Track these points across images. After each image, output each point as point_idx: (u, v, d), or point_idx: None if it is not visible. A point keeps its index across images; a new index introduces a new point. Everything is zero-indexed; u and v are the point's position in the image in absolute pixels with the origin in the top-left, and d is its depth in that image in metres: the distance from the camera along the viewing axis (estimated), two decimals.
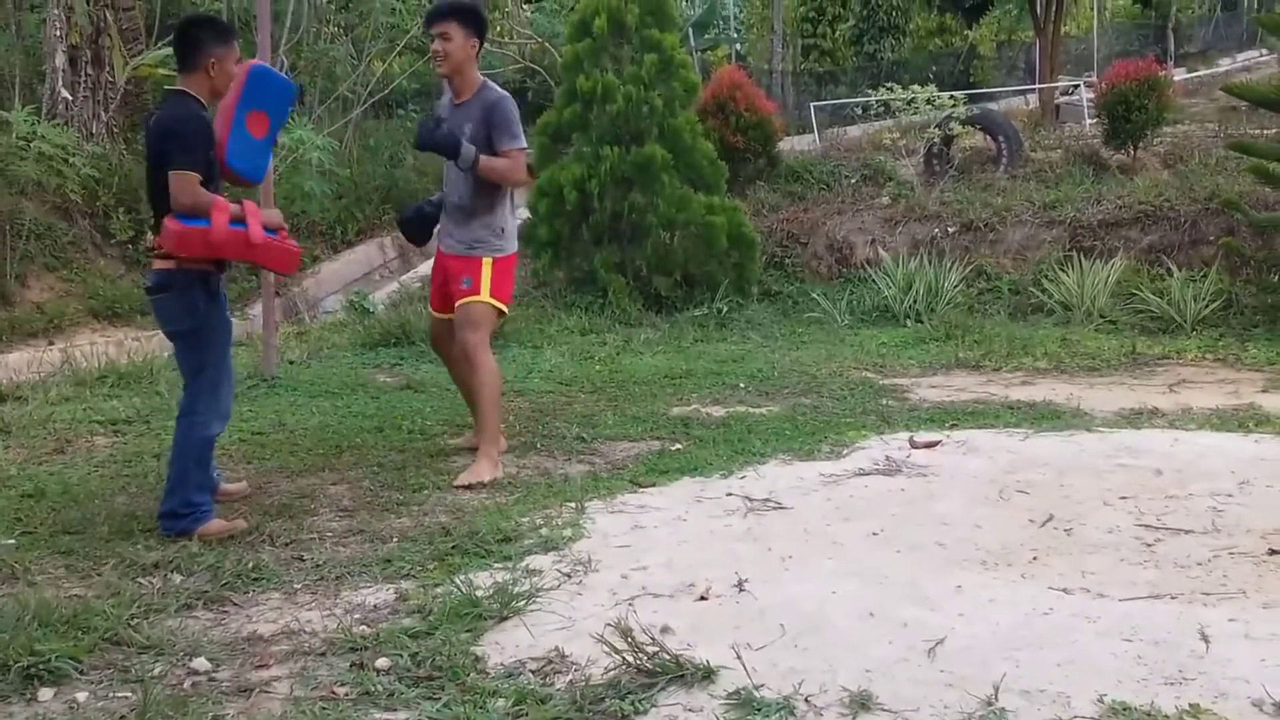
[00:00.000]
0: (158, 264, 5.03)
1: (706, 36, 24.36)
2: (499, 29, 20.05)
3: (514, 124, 5.95)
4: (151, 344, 9.61)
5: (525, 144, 6.06)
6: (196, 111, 5.00)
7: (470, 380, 6.13)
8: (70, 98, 11.74)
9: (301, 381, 8.40)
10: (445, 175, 6.17)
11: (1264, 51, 27.62)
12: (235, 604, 4.16)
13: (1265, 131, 14.58)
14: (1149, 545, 4.57)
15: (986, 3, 20.83)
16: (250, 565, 4.46)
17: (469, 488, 5.63)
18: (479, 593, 4.09)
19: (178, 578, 4.37)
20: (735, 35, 26.74)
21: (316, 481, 5.80)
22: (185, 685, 3.48)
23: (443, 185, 6.23)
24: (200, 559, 4.53)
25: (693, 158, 11.49)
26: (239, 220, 4.88)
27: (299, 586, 4.30)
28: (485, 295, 5.96)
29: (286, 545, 4.78)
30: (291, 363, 9.17)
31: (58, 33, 11.65)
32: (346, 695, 3.38)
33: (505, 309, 6.14)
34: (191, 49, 5.00)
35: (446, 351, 6.40)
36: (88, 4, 11.84)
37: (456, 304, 6.03)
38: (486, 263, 5.99)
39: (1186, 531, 4.72)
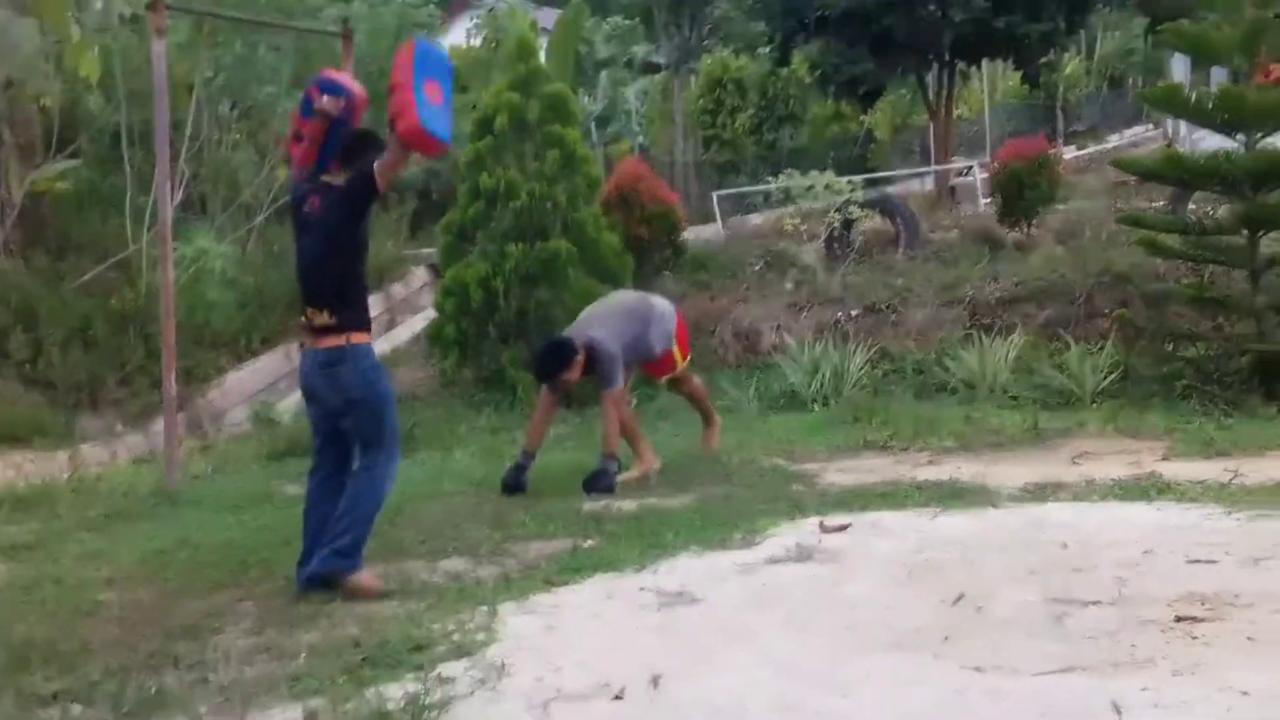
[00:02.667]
0: (329, 342, 5.55)
1: (608, 130, 24.66)
2: None
3: None
4: (50, 465, 9.41)
5: None
6: None
7: None
8: None
9: (206, 496, 8.27)
10: None
11: (1150, 126, 28.47)
12: None
13: (1154, 204, 15.02)
14: (1058, 619, 4.61)
15: (881, 89, 21.26)
16: (153, 690, 4.33)
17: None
18: (390, 705, 4.01)
19: (77, 708, 4.23)
20: (637, 129, 27.08)
21: (223, 599, 5.67)
22: None
23: None
24: (101, 687, 4.40)
25: (598, 251, 11.58)
26: None
27: (204, 710, 4.18)
28: None
29: (191, 668, 4.65)
30: (196, 478, 9.03)
31: None
32: None
33: None
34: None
35: None
36: None
37: None
38: None
39: (1094, 603, 4.76)
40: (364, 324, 5.75)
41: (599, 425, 8.37)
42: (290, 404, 12.11)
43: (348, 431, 5.74)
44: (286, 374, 13.28)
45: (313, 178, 5.78)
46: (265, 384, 13.29)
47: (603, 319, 8.27)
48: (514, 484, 7.96)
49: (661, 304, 8.69)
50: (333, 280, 5.66)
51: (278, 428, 10.81)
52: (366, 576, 5.55)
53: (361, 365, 5.67)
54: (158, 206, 9.66)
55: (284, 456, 9.56)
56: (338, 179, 5.71)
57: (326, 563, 5.51)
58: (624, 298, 8.72)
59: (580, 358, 7.95)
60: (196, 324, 12.07)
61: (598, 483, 7.86)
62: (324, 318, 5.61)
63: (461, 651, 4.61)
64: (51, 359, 10.97)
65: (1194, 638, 4.29)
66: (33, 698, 4.33)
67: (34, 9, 11.10)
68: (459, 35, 25.98)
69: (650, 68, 30.28)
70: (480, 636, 4.77)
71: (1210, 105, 10.40)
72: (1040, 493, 6.97)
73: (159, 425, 10.30)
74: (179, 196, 12.67)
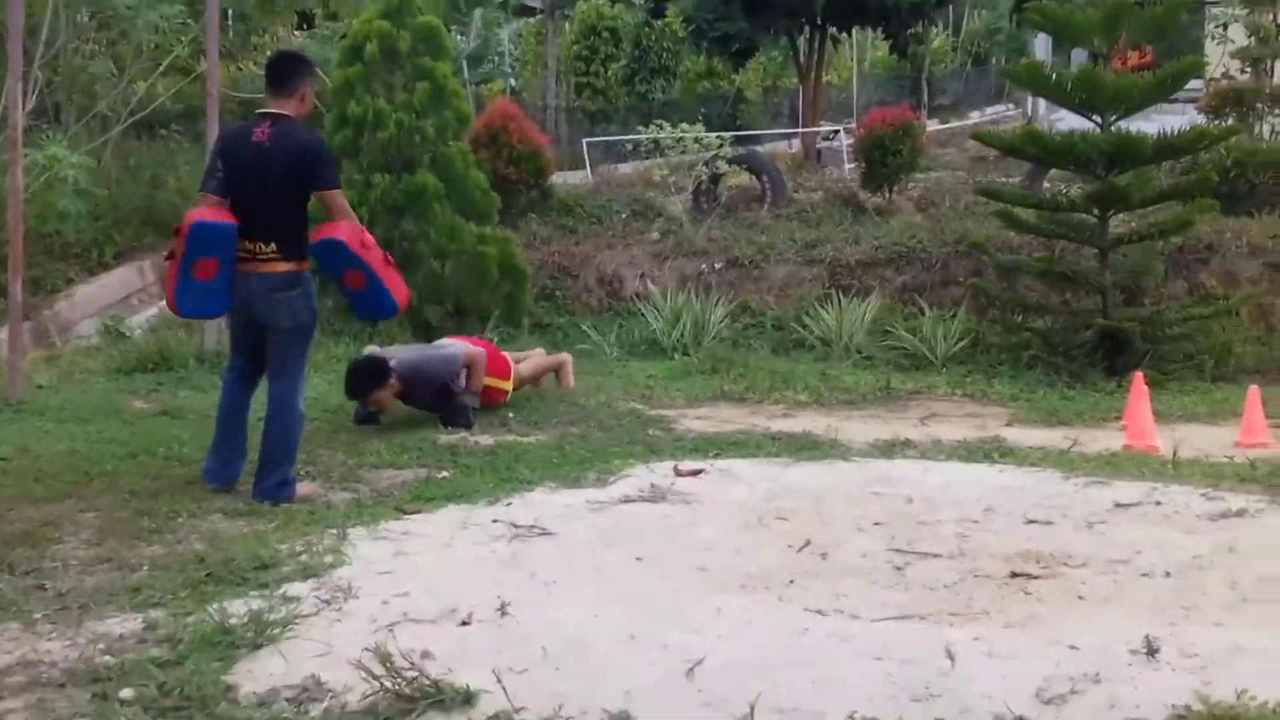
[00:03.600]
0: (279, 266, 5.83)
1: (480, 70, 24.32)
2: (269, 53, 19.62)
3: None
4: None
5: None
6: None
7: None
8: None
9: (50, 407, 8.03)
10: None
11: (1010, 106, 29.14)
12: None
13: (1011, 179, 15.38)
14: (899, 569, 4.74)
15: (753, 48, 21.36)
16: None
17: None
18: (232, 621, 3.96)
19: None
20: (510, 71, 26.76)
21: (63, 509, 5.53)
22: None
23: None
24: None
25: (465, 187, 11.45)
26: None
27: (39, 616, 4.09)
28: None
29: (27, 574, 4.54)
30: (41, 387, 8.76)
31: None
32: None
33: None
34: (292, 78, 5.97)
35: None
36: None
37: None
38: None
39: (935, 556, 4.90)
40: (306, 254, 6.03)
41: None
42: (142, 319, 11.79)
43: (272, 351, 6.01)
44: (139, 289, 12.90)
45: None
46: (117, 298, 12.88)
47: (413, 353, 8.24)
48: (365, 416, 7.92)
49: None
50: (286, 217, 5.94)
51: (128, 342, 10.50)
52: (303, 489, 6.01)
53: (310, 292, 6.03)
54: (8, 110, 9.28)
55: (133, 372, 9.31)
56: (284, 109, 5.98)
57: (271, 494, 5.84)
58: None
59: (393, 380, 7.77)
60: (46, 234, 11.64)
61: (456, 418, 7.82)
62: (270, 250, 5.85)
63: (308, 573, 4.58)
64: None
65: (1027, 593, 4.45)
66: None
67: None
68: None
69: (525, 10, 29.96)
70: (328, 559, 4.75)
71: (1069, 86, 10.68)
72: (889, 449, 7.14)
73: (2, 333, 9.96)
74: (31, 103, 12.18)
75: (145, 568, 4.64)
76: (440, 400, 7.92)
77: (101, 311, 12.15)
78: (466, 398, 7.93)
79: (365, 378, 7.75)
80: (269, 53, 19.35)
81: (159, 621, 4.02)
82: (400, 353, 8.17)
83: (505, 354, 8.70)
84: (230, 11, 17.17)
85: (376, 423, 7.89)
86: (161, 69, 14.60)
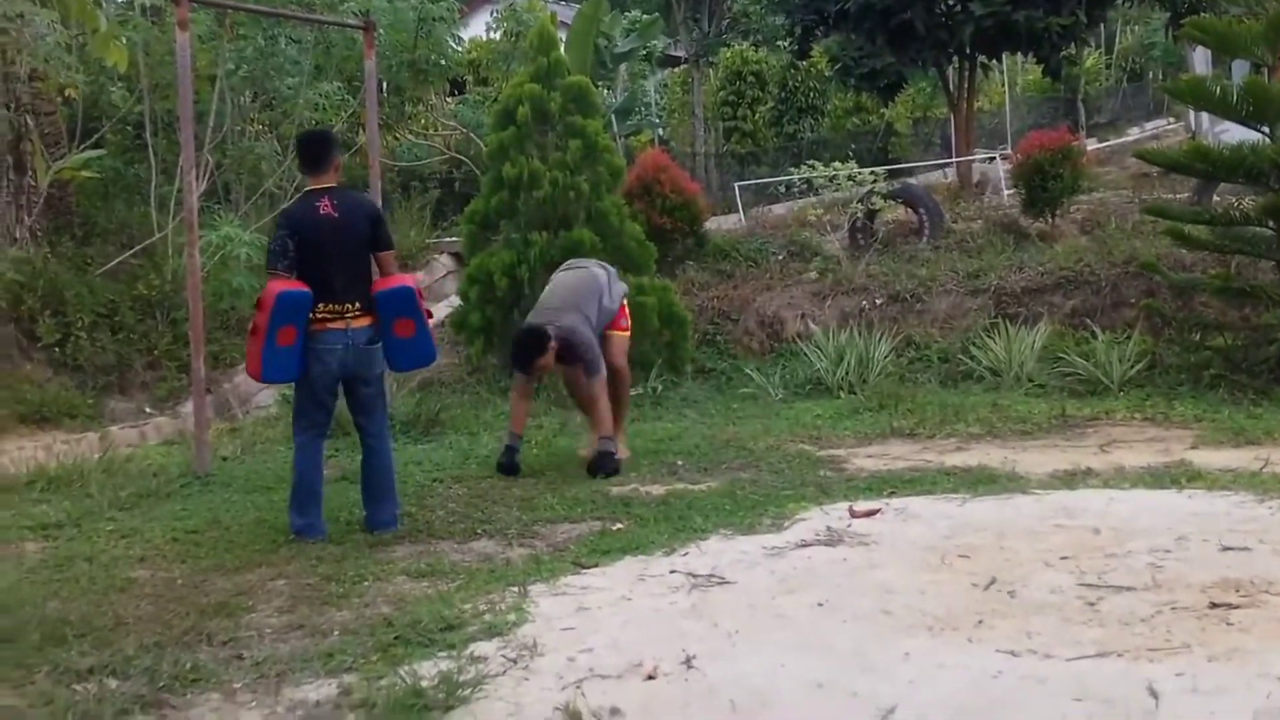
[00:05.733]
0: (364, 321, 6.49)
1: (629, 122, 24.55)
2: (423, 122, 20.15)
3: None
4: (81, 446, 9.45)
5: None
6: None
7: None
8: None
9: (236, 478, 8.30)
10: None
11: (1170, 120, 28.33)
12: (173, 707, 4.05)
13: (1177, 195, 14.94)
14: (1092, 604, 4.60)
15: (901, 82, 21.19)
16: (188, 666, 4.36)
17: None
18: (424, 683, 4.02)
19: (113, 682, 4.26)
20: (657, 120, 26.99)
21: (254, 578, 5.70)
22: None
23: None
24: (136, 662, 4.42)
25: (621, 240, 11.54)
26: None
27: (238, 686, 4.21)
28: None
29: (225, 644, 4.68)
30: (225, 459, 9.06)
31: None
32: None
33: None
34: (327, 154, 6.62)
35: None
36: (8, 109, 11.76)
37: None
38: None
39: (1128, 589, 4.75)
40: None
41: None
42: None
43: (365, 399, 6.68)
44: None
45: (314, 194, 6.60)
46: None
47: (567, 305, 8.35)
48: (510, 465, 8.15)
49: (601, 269, 8.83)
50: (364, 277, 6.58)
51: None
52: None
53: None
54: (183, 194, 9.67)
55: None
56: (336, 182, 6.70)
57: (394, 523, 6.64)
58: (572, 279, 8.69)
59: (554, 345, 8.06)
60: (222, 310, 12.07)
61: (603, 465, 7.96)
62: (355, 308, 6.47)
63: (493, 631, 4.63)
64: (79, 343, 10.98)
65: (1229, 624, 4.28)
66: (69, 673, 4.36)
67: (57, 2, 11.19)
68: (479, 28, 25.93)
69: (669, 61, 30.21)
70: (511, 617, 4.79)
71: (1235, 98, 10.36)
72: (1070, 479, 6.96)
73: (187, 408, 10.35)
74: (203, 185, 12.70)
75: (336, 632, 4.74)
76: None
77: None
78: (607, 443, 8.07)
79: (529, 347, 8.09)
80: (422, 122, 19.99)
81: (353, 686, 4.10)
82: (554, 316, 8.30)
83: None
84: (385, 84, 17.67)
85: (519, 472, 8.10)
86: None
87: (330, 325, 6.43)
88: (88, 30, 11.54)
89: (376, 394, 6.73)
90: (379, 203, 9.73)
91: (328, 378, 6.52)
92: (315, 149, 6.72)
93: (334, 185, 6.62)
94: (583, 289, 8.50)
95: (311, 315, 6.42)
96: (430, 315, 6.84)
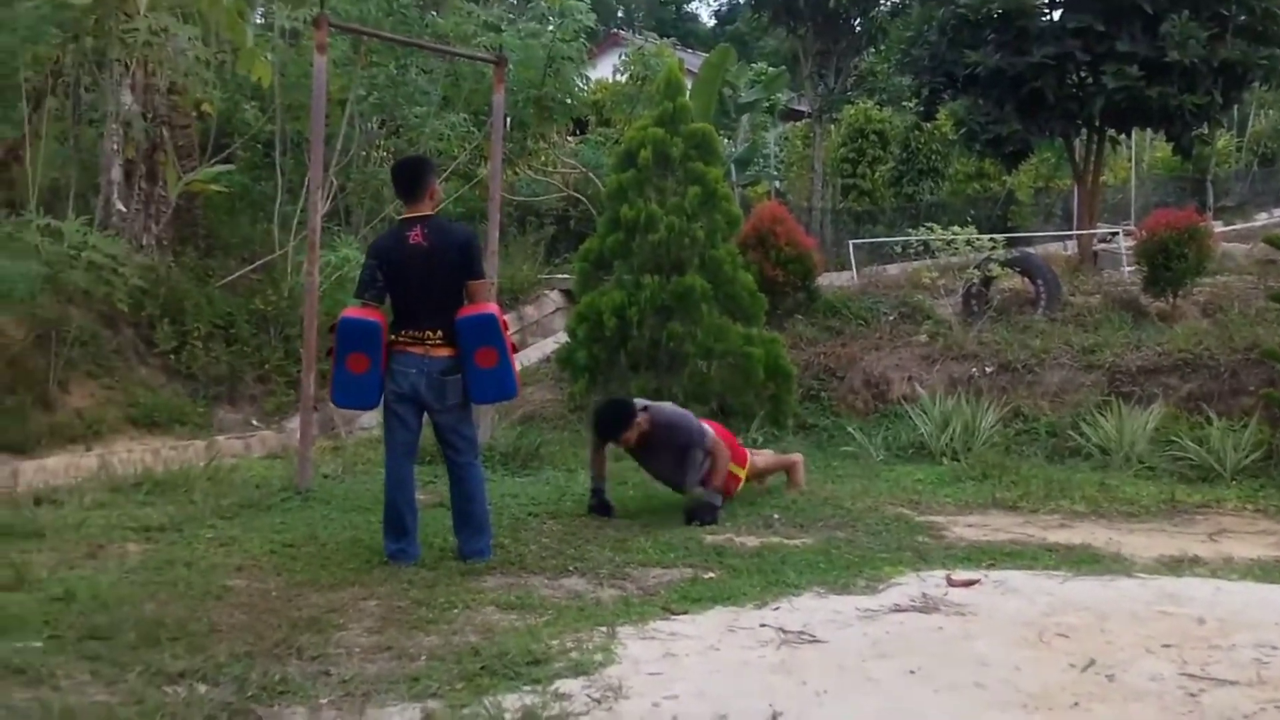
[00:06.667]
0: (444, 351, 6.51)
1: (748, 173, 24.56)
2: (544, 158, 20.37)
3: None
4: (188, 453, 9.64)
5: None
6: None
7: None
8: (123, 210, 11.91)
9: (335, 495, 8.41)
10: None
11: None
12: (259, 717, 4.09)
13: None
14: (1193, 695, 4.46)
15: (1027, 150, 20.97)
16: (277, 678, 4.40)
17: None
18: (507, 715, 4.02)
19: (203, 688, 4.32)
20: (775, 173, 26.99)
21: (347, 596, 5.75)
22: None
23: None
24: (227, 670, 4.48)
25: (733, 289, 11.52)
26: None
27: (325, 702, 4.24)
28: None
29: (314, 659, 4.72)
30: (326, 476, 9.18)
31: (114, 146, 11.87)
32: None
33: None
34: (422, 182, 6.68)
35: None
36: (145, 120, 12.10)
37: None
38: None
39: (1231, 683, 4.60)
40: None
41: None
42: None
43: (443, 428, 6.70)
44: None
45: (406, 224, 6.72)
46: None
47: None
48: (600, 505, 8.19)
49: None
50: (450, 307, 6.56)
51: None
52: None
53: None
54: (307, 214, 9.87)
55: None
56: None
57: (487, 552, 6.66)
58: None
59: (640, 420, 8.02)
60: (332, 328, 12.28)
61: (700, 513, 7.92)
62: (437, 336, 6.51)
63: (579, 670, 4.61)
64: (194, 352, 11.21)
65: None
66: (161, 675, 4.43)
67: (203, 17, 11.52)
68: (606, 69, 26.23)
69: (792, 115, 30.26)
70: (598, 657, 4.77)
71: None
72: (1176, 566, 6.77)
73: (293, 423, 10.51)
74: (326, 206, 12.94)
75: (423, 658, 4.76)
76: (674, 464, 8.15)
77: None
78: (713, 495, 8.01)
79: (614, 417, 8.04)
80: (543, 158, 20.21)
81: (437, 713, 4.10)
82: (655, 404, 8.39)
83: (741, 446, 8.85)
84: (510, 119, 17.91)
85: (610, 513, 8.07)
86: (445, 175, 15.28)
87: (409, 349, 6.53)
88: (231, 48, 11.96)
89: (456, 423, 6.69)
90: (495, 235, 9.87)
91: (401, 400, 6.59)
92: (410, 176, 6.77)
93: (429, 214, 6.68)
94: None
95: (394, 338, 6.55)
96: (515, 348, 6.84)
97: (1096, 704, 4.35)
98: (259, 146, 15.15)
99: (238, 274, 12.55)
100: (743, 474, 8.65)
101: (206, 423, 10.80)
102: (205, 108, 13.11)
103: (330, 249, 12.35)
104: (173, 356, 11.22)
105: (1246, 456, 10.13)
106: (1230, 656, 4.94)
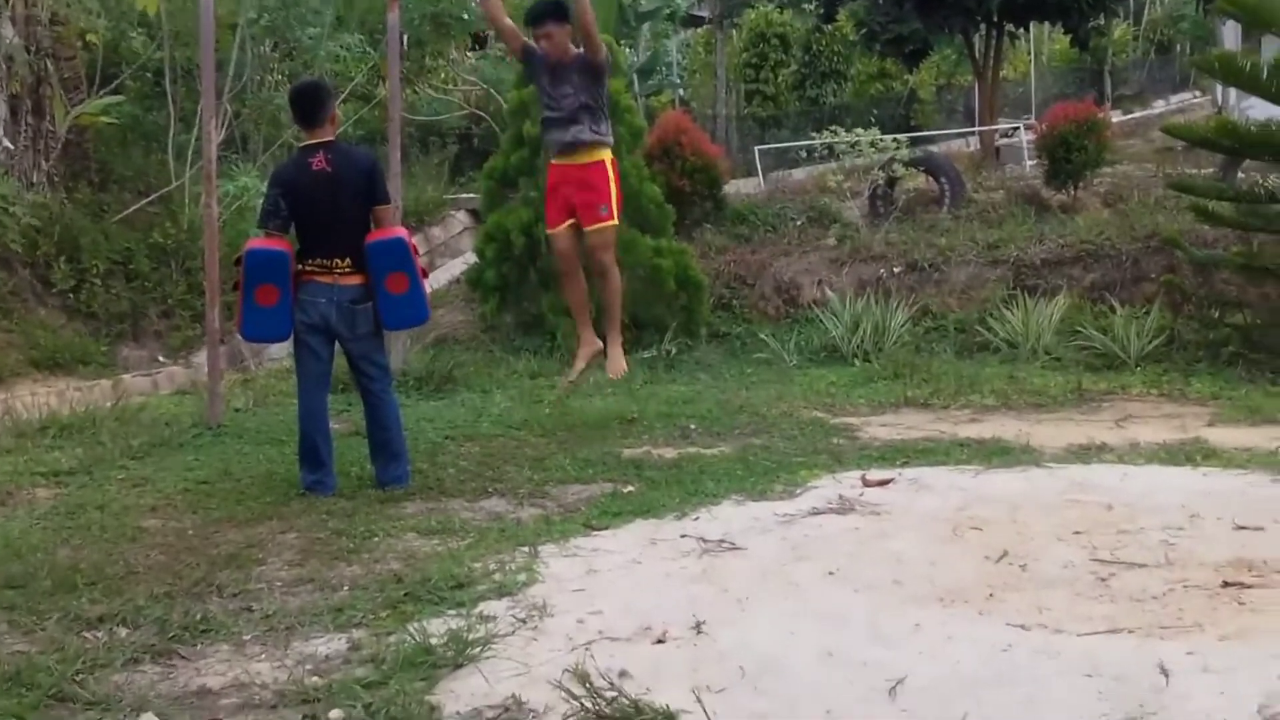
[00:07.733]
0: (353, 279, 6.39)
1: (650, 82, 24.39)
2: (444, 76, 20.06)
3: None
4: (94, 394, 9.46)
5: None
6: None
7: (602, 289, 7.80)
8: (10, 147, 11.59)
9: (247, 429, 8.30)
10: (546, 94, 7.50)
11: (1196, 94, 28.10)
12: (183, 657, 4.06)
13: (1202, 170, 14.82)
14: (1104, 580, 4.58)
15: (927, 49, 21.01)
16: (198, 617, 4.36)
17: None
18: (433, 640, 4.02)
19: (123, 631, 4.27)
20: (679, 81, 26.85)
21: (265, 530, 5.70)
22: None
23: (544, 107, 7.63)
24: (147, 611, 4.42)
25: (639, 201, 11.48)
26: None
27: (248, 638, 4.21)
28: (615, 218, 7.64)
29: (235, 596, 4.69)
30: (237, 410, 9.07)
31: None
32: None
33: None
34: (321, 107, 6.46)
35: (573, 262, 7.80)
36: (28, 54, 11.72)
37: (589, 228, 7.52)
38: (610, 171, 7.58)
39: (1140, 565, 4.72)
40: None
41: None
42: None
43: (355, 357, 6.57)
44: None
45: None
46: None
47: None
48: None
49: None
50: (357, 234, 6.43)
51: None
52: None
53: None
54: (201, 143, 9.64)
55: None
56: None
57: (404, 478, 6.57)
58: None
59: (569, 27, 7.38)
60: (238, 260, 12.07)
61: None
62: (345, 264, 6.39)
63: (503, 591, 4.63)
64: (94, 290, 10.98)
65: (1242, 604, 4.26)
66: (79, 620, 4.38)
67: None
68: None
69: (693, 21, 30.03)
70: (521, 577, 4.79)
71: (1265, 75, 10.24)
72: (1084, 454, 6.92)
73: (200, 358, 10.36)
74: (222, 135, 12.66)
75: (346, 588, 4.74)
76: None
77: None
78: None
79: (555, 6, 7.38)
80: (443, 76, 19.90)
81: (362, 642, 4.10)
82: None
83: None
84: (406, 38, 17.58)
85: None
86: (343, 96, 15.00)
87: (317, 278, 6.41)
88: None
89: (368, 351, 6.60)
90: (397, 157, 9.72)
91: (311, 331, 6.48)
92: (309, 102, 6.55)
93: (330, 139, 6.51)
94: None
95: (300, 267, 6.41)
96: (425, 273, 6.75)
97: (1011, 594, 4.45)
98: (149, 76, 14.73)
99: (134, 208, 12.27)
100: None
101: (111, 362, 10.62)
102: (90, 38, 12.74)
103: (228, 178, 12.11)
104: (71, 295, 10.99)
105: (1150, 343, 10.35)
106: (1138, 540, 5.08)
